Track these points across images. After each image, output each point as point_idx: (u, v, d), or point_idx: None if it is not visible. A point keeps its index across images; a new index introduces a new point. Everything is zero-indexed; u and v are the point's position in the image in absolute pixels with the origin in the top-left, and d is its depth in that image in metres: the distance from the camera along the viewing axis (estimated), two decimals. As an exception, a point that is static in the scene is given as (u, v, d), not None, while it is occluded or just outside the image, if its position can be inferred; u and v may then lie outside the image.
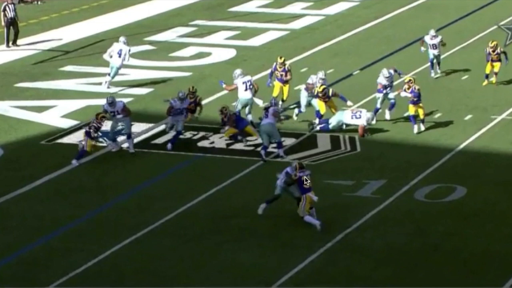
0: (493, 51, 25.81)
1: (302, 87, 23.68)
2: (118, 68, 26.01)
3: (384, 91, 23.49)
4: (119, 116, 21.82)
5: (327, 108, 23.24)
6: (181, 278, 16.56)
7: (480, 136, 22.78)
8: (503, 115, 24.07)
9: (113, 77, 26.15)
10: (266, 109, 21.54)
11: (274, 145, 21.69)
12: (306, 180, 18.05)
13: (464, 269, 16.70)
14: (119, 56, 25.76)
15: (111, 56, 25.90)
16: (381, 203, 19.17)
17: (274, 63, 24.35)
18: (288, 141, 22.42)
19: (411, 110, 22.98)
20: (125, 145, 22.13)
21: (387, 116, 23.68)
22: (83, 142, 21.41)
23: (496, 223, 18.34)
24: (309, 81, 23.48)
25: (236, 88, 23.33)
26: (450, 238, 17.76)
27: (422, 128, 22.98)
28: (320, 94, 23.17)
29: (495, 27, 30.38)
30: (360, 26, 32.55)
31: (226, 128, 22.42)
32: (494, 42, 25.94)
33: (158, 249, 17.53)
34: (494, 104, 24.77)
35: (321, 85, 23.25)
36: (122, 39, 26.10)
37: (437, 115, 24.10)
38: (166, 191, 19.93)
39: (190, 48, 30.03)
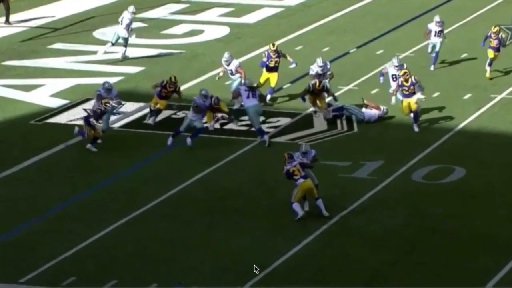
0: (495, 35, 24.70)
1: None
2: (124, 38, 25.70)
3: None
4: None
5: (315, 100, 22.24)
6: (173, 260, 16.37)
7: (479, 115, 22.52)
8: (503, 94, 23.81)
9: (113, 44, 25.87)
10: (251, 89, 20.94)
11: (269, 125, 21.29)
12: (296, 171, 17.47)
13: (462, 252, 16.54)
14: (122, 25, 25.60)
15: (121, 24, 25.68)
16: (378, 184, 18.96)
17: (266, 53, 23.48)
18: (284, 121, 22.11)
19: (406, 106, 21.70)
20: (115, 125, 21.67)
21: (393, 101, 22.69)
22: (84, 130, 20.63)
23: (495, 204, 18.18)
24: (311, 72, 22.57)
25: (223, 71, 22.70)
26: (448, 220, 17.59)
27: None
28: (318, 87, 22.24)
29: (497, 3, 29.93)
30: (357, 2, 32.13)
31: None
32: (497, 28, 24.89)
33: (149, 231, 17.34)
34: (493, 83, 24.45)
35: (320, 81, 22.26)
36: (130, 8, 25.87)
37: (436, 94, 23.77)
38: (158, 172, 19.71)
39: (183, 26, 29.71)
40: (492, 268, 15.94)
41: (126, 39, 25.75)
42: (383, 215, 17.72)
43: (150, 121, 22.06)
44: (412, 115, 21.59)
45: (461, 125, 21.93)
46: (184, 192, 18.78)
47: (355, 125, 21.97)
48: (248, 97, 20.91)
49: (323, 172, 19.09)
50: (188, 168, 19.70)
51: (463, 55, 26.60)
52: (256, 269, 15.79)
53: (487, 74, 24.50)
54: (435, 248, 16.59)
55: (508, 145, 20.89)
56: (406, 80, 21.59)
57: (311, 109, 22.31)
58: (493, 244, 16.70)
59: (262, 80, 23.22)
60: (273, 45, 23.47)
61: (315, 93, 22.11)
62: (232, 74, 22.82)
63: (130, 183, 19.22)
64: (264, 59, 23.21)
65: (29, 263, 16.18)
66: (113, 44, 25.92)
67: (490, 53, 24.61)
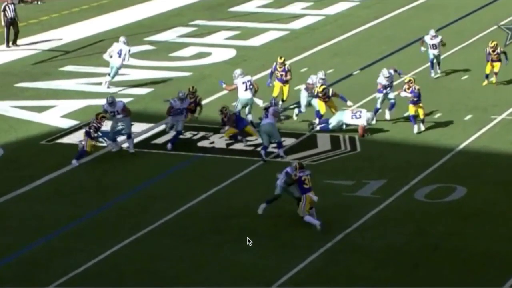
0: (493, 51, 25.79)
1: (302, 87, 23.68)
2: (118, 68, 25.98)
3: (384, 91, 23.48)
4: (119, 116, 21.81)
5: (327, 108, 23.24)
6: (181, 278, 16.51)
7: (480, 136, 22.70)
8: (503, 115, 24.01)
9: (113, 77, 26.12)
10: (266, 109, 21.54)
11: (274, 145, 21.63)
12: (307, 180, 18.01)
13: (464, 269, 16.65)
14: (119, 56, 25.76)
15: (111, 56, 25.88)
16: (381, 203, 19.11)
17: (274, 63, 24.34)
18: (288, 141, 22.35)
19: (411, 110, 22.97)
20: (125, 145, 22.10)
21: (387, 116, 23.67)
22: (83, 142, 21.40)
23: (496, 223, 18.30)
24: (309, 81, 23.48)
25: (236, 88, 23.32)
26: (450, 238, 17.72)
27: (422, 128, 22.96)
28: (320, 94, 23.18)
29: (495, 27, 30.35)
30: (360, 26, 32.50)
31: (226, 128, 22.39)
32: (494, 42, 25.92)
33: (158, 249, 17.47)
34: (494, 104, 24.68)
35: (321, 85, 23.25)
36: (122, 39, 26.09)
37: (437, 115, 24.04)
38: (166, 191, 19.87)
39: (190, 48, 29.98)
40: (494, 286, 16.02)
41: (118, 69, 25.87)
42: (386, 233, 17.82)
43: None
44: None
45: (462, 145, 22.09)
46: (192, 211, 18.90)
47: (358, 145, 22.18)
48: (265, 116, 21.31)
49: (327, 190, 19.35)
50: (195, 187, 19.85)
51: (464, 77, 26.82)
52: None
53: (485, 83, 25.71)
54: (438, 266, 16.66)
55: (509, 165, 21.03)
56: (409, 88, 22.79)
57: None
58: (494, 262, 16.80)
59: (275, 92, 23.80)
60: (281, 57, 24.22)
61: (320, 97, 22.87)
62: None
63: (138, 201, 19.35)
64: (272, 69, 23.98)
65: (40, 280, 16.33)
66: (112, 78, 25.94)
67: (496, 66, 25.72)
